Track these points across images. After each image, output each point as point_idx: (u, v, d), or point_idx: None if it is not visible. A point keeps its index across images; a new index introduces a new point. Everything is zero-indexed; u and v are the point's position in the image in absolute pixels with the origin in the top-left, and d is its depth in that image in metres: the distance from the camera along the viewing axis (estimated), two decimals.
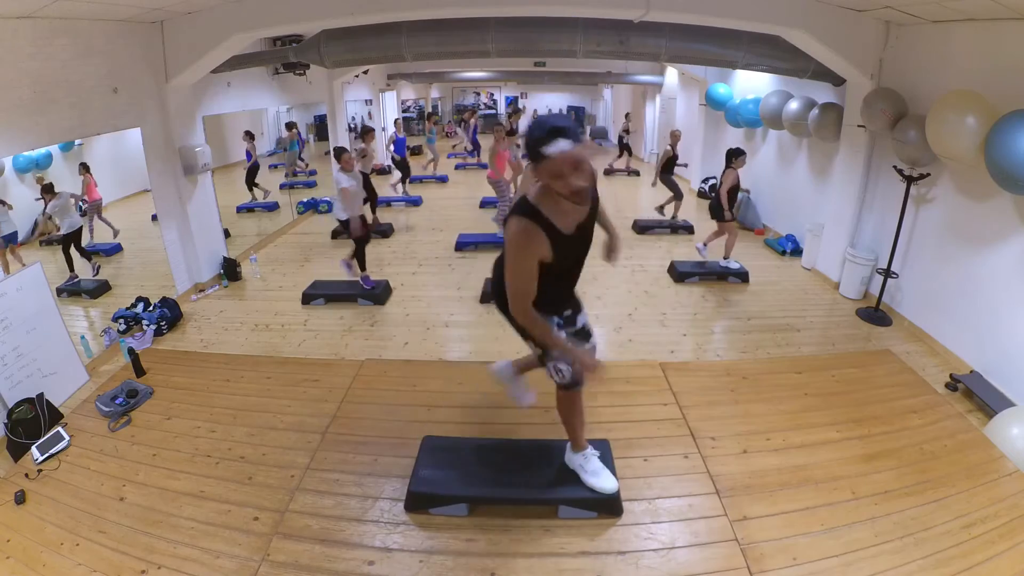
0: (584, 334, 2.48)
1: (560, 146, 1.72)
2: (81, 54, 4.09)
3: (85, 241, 5.36)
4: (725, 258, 5.87)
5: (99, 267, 5.37)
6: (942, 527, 2.51)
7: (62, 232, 5.13)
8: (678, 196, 7.64)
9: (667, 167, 7.75)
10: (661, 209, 7.73)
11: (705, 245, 5.97)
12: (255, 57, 6.02)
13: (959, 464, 2.92)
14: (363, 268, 5.43)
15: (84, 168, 5.75)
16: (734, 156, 5.56)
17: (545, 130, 1.73)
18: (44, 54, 3.77)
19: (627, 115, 12.79)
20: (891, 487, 2.76)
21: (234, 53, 5.24)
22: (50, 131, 3.95)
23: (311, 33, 5.66)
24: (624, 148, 11.98)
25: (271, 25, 4.81)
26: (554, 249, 1.97)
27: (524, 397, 2.93)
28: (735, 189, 5.63)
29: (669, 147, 7.81)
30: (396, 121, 10.87)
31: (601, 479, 2.60)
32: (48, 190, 5.07)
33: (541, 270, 2.00)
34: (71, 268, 5.27)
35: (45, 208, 5.18)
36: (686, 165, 8.93)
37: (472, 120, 13.63)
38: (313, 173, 9.99)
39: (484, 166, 11.09)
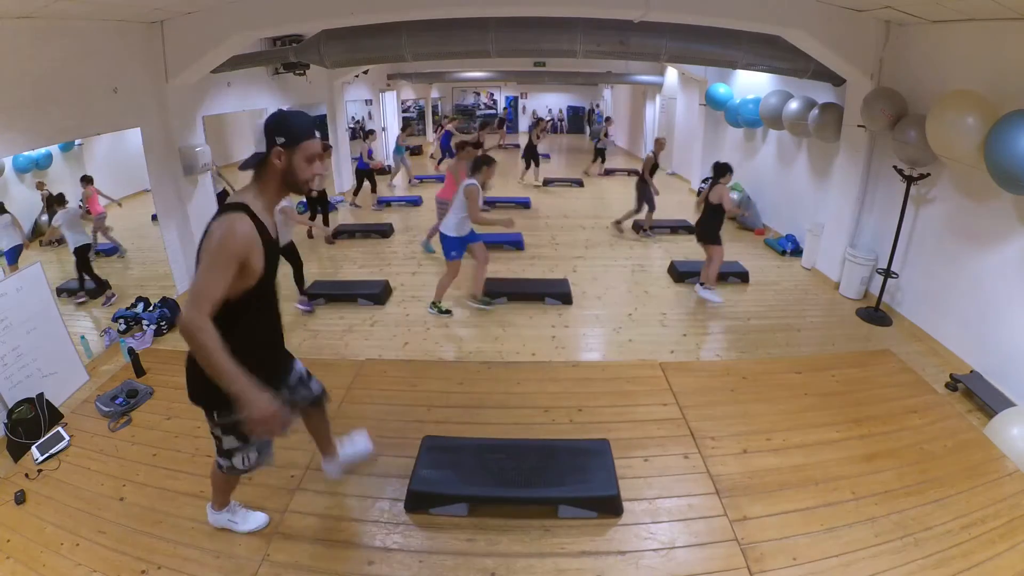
0: (303, 385, 2.40)
1: (317, 136, 1.92)
2: (81, 54, 4.08)
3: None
4: (703, 284, 5.19)
5: (114, 296, 5.32)
6: (942, 527, 2.52)
7: (71, 247, 5.10)
8: (651, 207, 7.20)
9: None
10: (619, 224, 7.49)
11: (706, 286, 5.18)
12: (255, 57, 6.02)
13: (959, 464, 2.92)
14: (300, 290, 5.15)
15: (86, 180, 5.72)
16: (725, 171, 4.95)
17: (311, 121, 1.93)
18: (44, 54, 3.76)
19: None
20: (891, 487, 2.77)
21: (234, 53, 5.24)
22: (50, 131, 3.95)
23: (311, 33, 5.66)
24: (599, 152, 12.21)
25: (271, 25, 4.82)
26: (265, 255, 1.87)
27: (356, 453, 2.83)
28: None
29: (652, 153, 7.30)
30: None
31: (249, 522, 2.52)
32: (59, 201, 5.04)
33: (246, 288, 1.83)
34: (82, 286, 5.22)
35: (51, 220, 5.11)
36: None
37: (449, 126, 12.69)
38: None
39: (441, 178, 8.78)
